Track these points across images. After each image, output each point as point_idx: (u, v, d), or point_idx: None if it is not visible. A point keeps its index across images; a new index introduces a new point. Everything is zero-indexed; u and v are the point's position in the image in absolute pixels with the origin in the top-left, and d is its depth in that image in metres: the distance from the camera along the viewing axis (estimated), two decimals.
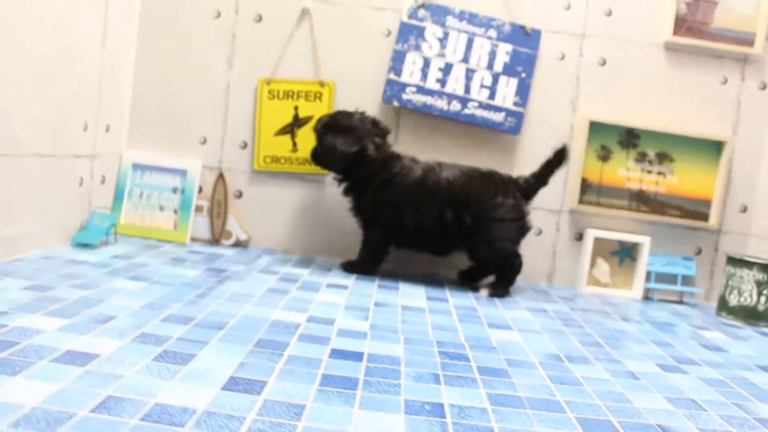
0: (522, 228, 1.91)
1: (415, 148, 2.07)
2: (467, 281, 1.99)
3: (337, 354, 1.20)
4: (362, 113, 1.91)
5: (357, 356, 1.20)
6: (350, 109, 1.93)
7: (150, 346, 1.11)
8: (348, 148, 1.85)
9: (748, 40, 2.08)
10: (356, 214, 1.94)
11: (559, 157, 1.92)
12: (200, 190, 2.10)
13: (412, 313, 1.57)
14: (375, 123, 1.92)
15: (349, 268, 1.95)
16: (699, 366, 1.42)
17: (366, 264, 1.94)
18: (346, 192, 1.94)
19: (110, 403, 0.88)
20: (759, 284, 1.91)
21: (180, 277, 1.62)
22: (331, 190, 2.04)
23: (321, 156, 1.90)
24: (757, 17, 2.07)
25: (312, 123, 2.03)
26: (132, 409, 0.86)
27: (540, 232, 2.12)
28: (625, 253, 2.14)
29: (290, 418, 0.90)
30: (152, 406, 0.88)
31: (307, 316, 1.42)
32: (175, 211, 2.08)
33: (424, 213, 1.86)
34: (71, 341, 1.08)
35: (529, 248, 2.11)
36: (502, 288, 1.89)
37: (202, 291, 1.51)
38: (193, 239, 2.08)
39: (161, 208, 2.08)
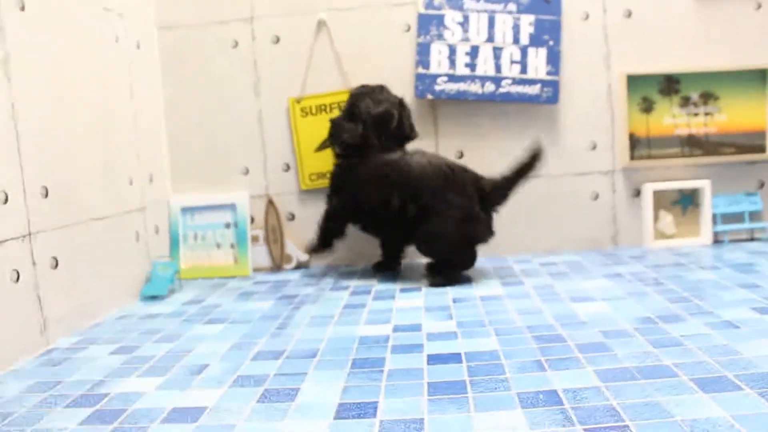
0: (467, 227, 1.73)
1: (456, 136, 2.05)
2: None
3: (435, 359, 1.19)
4: (401, 108, 1.86)
5: (455, 358, 1.19)
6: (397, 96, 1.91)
7: (251, 389, 1.10)
8: (348, 139, 1.84)
9: None
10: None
11: (533, 159, 1.73)
12: (252, 220, 2.10)
13: (493, 302, 1.55)
14: (401, 126, 1.86)
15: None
16: None
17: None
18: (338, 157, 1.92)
19: None
20: None
21: (255, 311, 1.61)
22: None
23: (332, 125, 1.90)
24: None
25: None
26: None
27: (597, 197, 2.09)
28: (687, 201, 2.09)
29: None
30: None
31: (393, 326, 1.41)
32: (233, 246, 2.08)
33: (374, 198, 1.80)
34: (174, 398, 1.08)
35: (588, 214, 2.08)
36: (440, 278, 1.77)
37: (282, 321, 1.51)
38: (256, 270, 2.08)
39: (218, 246, 2.08)
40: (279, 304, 1.66)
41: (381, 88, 1.89)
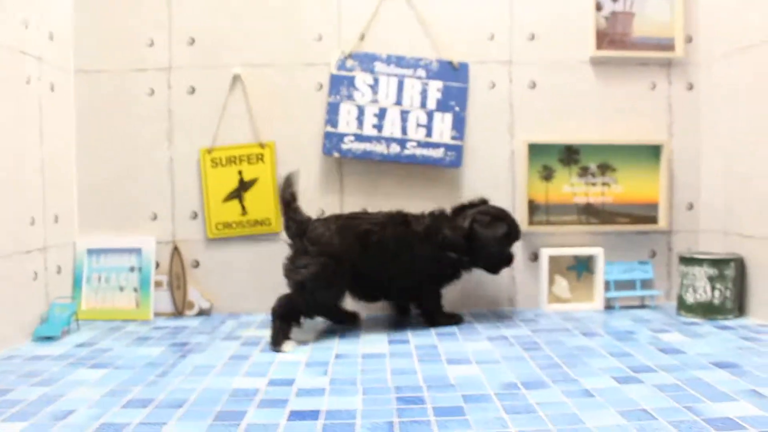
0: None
1: (360, 194, 2.11)
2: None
3: (295, 416, 1.22)
4: (464, 225, 1.91)
5: (314, 415, 1.22)
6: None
7: None
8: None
9: (668, 45, 2.15)
10: None
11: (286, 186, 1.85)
12: (157, 265, 2.12)
13: (373, 360, 1.59)
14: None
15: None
16: (655, 373, 1.45)
17: None
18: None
19: None
20: (711, 279, 1.95)
21: (143, 357, 1.63)
22: (285, 247, 2.03)
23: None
24: (673, 23, 2.14)
25: (257, 185, 2.07)
26: None
27: None
28: (582, 267, 2.17)
29: None
30: None
31: (268, 380, 1.44)
32: (136, 290, 2.09)
33: None
34: None
35: (487, 275, 2.14)
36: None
37: (164, 369, 1.53)
38: (157, 314, 2.10)
39: (121, 289, 2.10)
40: (168, 351, 1.69)
41: (497, 212, 1.96)
